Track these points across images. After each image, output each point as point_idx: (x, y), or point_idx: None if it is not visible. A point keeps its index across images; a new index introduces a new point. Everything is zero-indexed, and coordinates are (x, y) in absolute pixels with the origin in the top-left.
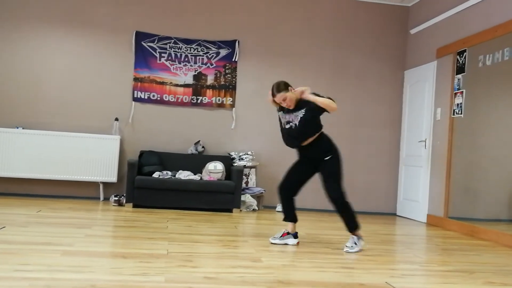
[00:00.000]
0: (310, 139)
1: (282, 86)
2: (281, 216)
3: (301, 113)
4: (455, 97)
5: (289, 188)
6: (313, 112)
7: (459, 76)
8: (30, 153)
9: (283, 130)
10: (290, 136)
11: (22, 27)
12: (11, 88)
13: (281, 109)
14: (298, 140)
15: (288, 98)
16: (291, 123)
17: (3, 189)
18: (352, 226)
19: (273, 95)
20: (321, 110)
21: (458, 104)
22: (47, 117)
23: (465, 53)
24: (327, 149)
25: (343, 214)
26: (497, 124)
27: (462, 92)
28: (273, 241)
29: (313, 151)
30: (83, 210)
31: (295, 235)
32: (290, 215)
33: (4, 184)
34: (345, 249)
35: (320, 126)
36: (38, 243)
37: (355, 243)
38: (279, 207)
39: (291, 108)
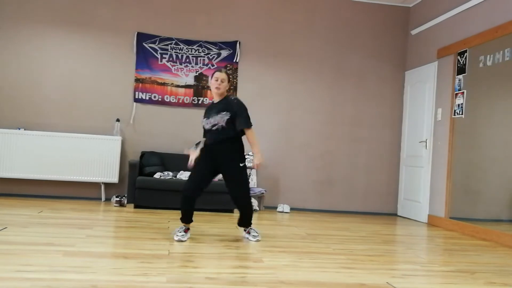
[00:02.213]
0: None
1: (225, 71)
2: (282, 216)
3: (225, 114)
4: (455, 97)
5: (199, 187)
6: (233, 113)
7: (460, 76)
8: (32, 154)
9: (207, 131)
10: (216, 136)
11: (24, 29)
12: (13, 89)
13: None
14: (220, 137)
15: (224, 84)
16: (217, 126)
17: (4, 190)
18: (249, 223)
19: (216, 71)
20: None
21: (458, 105)
22: (49, 118)
23: (465, 54)
24: (240, 154)
25: (245, 213)
26: (498, 124)
27: (462, 93)
28: (183, 239)
29: (228, 149)
30: (84, 211)
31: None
32: (191, 218)
33: (6, 185)
34: (256, 238)
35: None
36: (39, 244)
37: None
38: (280, 207)
39: (216, 94)
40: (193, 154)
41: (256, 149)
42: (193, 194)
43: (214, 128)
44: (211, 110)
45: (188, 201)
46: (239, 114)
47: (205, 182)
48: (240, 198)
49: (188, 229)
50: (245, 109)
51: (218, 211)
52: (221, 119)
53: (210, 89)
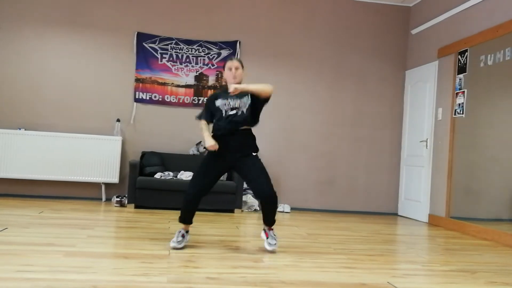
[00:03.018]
0: (247, 128)
1: (237, 59)
2: (283, 216)
3: (246, 99)
4: (456, 97)
5: (206, 189)
6: (258, 101)
7: (461, 76)
8: (32, 154)
9: (222, 118)
10: (232, 122)
11: (23, 29)
12: (13, 90)
13: (218, 96)
14: (239, 125)
15: (240, 72)
16: (236, 110)
17: (5, 190)
18: (274, 220)
19: (228, 60)
20: (261, 101)
21: (459, 104)
22: (49, 118)
23: (466, 53)
24: (255, 145)
25: (274, 208)
26: (498, 124)
27: (463, 92)
28: (178, 246)
29: (244, 141)
30: (85, 211)
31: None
32: (191, 219)
33: (6, 185)
34: (271, 247)
35: (258, 120)
36: (40, 244)
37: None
38: (280, 207)
39: (233, 83)
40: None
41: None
42: (199, 196)
43: (232, 112)
44: (226, 93)
45: (192, 202)
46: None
47: (212, 184)
48: (270, 188)
49: (187, 231)
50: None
51: (218, 211)
52: (242, 103)
53: (211, 89)
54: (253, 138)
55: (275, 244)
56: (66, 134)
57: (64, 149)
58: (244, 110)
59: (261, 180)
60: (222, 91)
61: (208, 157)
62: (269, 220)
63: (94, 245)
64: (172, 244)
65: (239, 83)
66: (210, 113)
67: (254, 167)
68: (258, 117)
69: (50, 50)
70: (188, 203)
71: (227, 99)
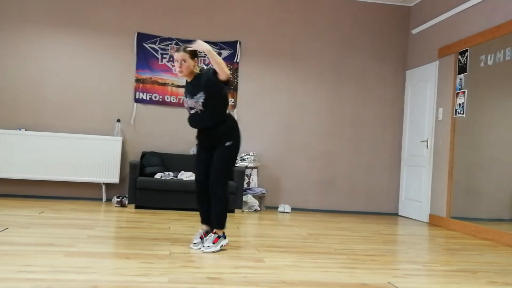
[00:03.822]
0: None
1: (187, 49)
2: (283, 216)
3: (200, 97)
4: (457, 97)
5: (206, 178)
6: (213, 87)
7: (461, 76)
8: (33, 154)
9: (189, 115)
10: (195, 123)
11: (24, 29)
12: (13, 90)
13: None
14: (202, 125)
15: (186, 64)
16: (195, 109)
17: (5, 191)
18: (220, 223)
19: (175, 51)
20: (221, 82)
21: (460, 104)
22: (49, 119)
23: (466, 53)
24: (228, 135)
25: (217, 208)
26: (499, 123)
27: (464, 92)
28: (208, 250)
29: (215, 134)
30: (85, 211)
31: (224, 235)
32: (204, 217)
33: (7, 186)
34: (202, 248)
35: (225, 107)
36: (40, 244)
37: (213, 243)
38: (281, 208)
39: (182, 76)
40: None
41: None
42: (202, 183)
43: (192, 111)
44: (187, 89)
45: (200, 194)
46: (213, 78)
47: (207, 167)
48: (212, 181)
49: (207, 232)
50: (213, 71)
51: None
52: (196, 103)
53: None
54: (224, 127)
55: (208, 247)
56: (66, 134)
57: (64, 150)
58: (199, 110)
59: (212, 174)
60: (186, 83)
61: (197, 147)
62: (214, 220)
63: (95, 246)
64: (206, 250)
65: (188, 75)
66: None
67: (216, 158)
68: (221, 103)
69: (51, 51)
70: (197, 196)
71: (186, 97)
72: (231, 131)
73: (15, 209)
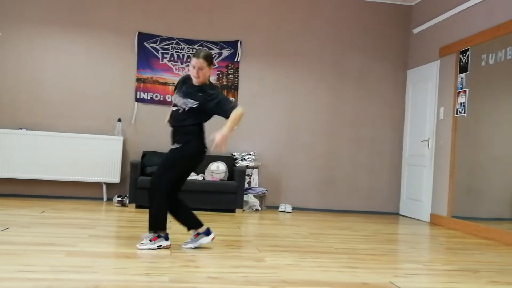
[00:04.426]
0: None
1: (208, 56)
2: (284, 216)
3: (191, 103)
4: (458, 96)
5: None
6: (208, 107)
7: (462, 75)
8: (34, 154)
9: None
10: (173, 118)
11: (25, 29)
12: (14, 89)
13: (177, 86)
14: (178, 123)
15: (203, 72)
16: (178, 106)
17: (6, 190)
18: (151, 222)
19: (194, 56)
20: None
21: (461, 103)
22: (50, 118)
23: (468, 52)
24: (185, 140)
25: (150, 204)
26: (500, 123)
27: (465, 91)
28: (186, 246)
29: (179, 135)
30: (86, 211)
31: (208, 232)
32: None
33: (8, 185)
34: (142, 246)
35: (200, 124)
36: (41, 244)
37: (150, 240)
38: (282, 207)
39: (195, 82)
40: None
41: (230, 124)
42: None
43: (174, 108)
44: (182, 86)
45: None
46: (212, 102)
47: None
48: (153, 178)
49: (198, 234)
50: (223, 96)
51: (219, 211)
52: (183, 103)
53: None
54: (187, 130)
55: (150, 243)
56: (67, 134)
57: (65, 149)
58: (181, 109)
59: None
60: (184, 81)
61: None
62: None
63: (96, 245)
64: (185, 246)
65: (202, 83)
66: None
67: (165, 155)
68: (203, 119)
69: (51, 50)
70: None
71: (177, 93)
72: (191, 138)
73: (16, 209)
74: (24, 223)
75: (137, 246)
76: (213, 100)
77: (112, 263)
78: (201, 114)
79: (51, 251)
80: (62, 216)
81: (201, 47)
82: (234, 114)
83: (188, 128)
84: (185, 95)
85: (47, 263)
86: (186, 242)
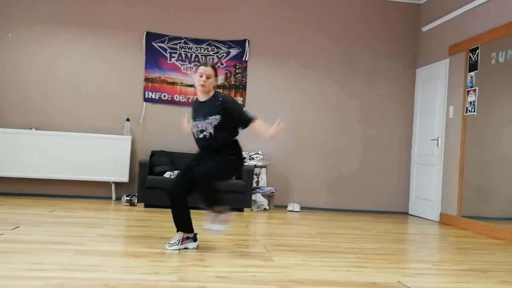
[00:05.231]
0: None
1: (215, 66)
2: (292, 215)
3: (214, 119)
4: (467, 95)
5: (182, 190)
6: (230, 112)
7: (472, 73)
8: (43, 153)
9: (195, 138)
10: (203, 148)
11: (34, 29)
12: (24, 90)
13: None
14: (210, 149)
15: (210, 80)
16: (204, 132)
17: (17, 189)
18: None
19: (201, 65)
20: (233, 115)
21: (471, 102)
22: (59, 118)
23: (477, 51)
24: (237, 153)
25: (204, 190)
26: (510, 121)
27: (475, 90)
28: (170, 248)
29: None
30: (95, 210)
31: (195, 238)
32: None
33: (18, 185)
34: (213, 232)
35: (236, 133)
36: (51, 243)
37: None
38: (290, 206)
39: (201, 91)
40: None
41: (265, 127)
42: (178, 196)
43: (201, 136)
44: (198, 111)
45: (176, 206)
46: (235, 116)
47: (189, 176)
48: (202, 171)
49: (187, 238)
50: (238, 105)
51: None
52: (208, 125)
53: (220, 88)
54: (229, 148)
55: (219, 229)
56: (76, 133)
57: (74, 149)
58: (208, 134)
59: (202, 168)
60: (195, 103)
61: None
62: (204, 201)
63: (105, 244)
64: (169, 248)
65: (208, 92)
66: None
67: (213, 159)
68: (233, 130)
69: (60, 51)
70: (172, 205)
71: (195, 120)
72: (235, 153)
73: (26, 208)
74: (34, 222)
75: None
76: (234, 112)
77: (121, 262)
78: (228, 125)
79: (61, 249)
80: (72, 215)
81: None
82: (259, 125)
83: (227, 143)
84: (205, 116)
85: (56, 261)
86: (171, 244)
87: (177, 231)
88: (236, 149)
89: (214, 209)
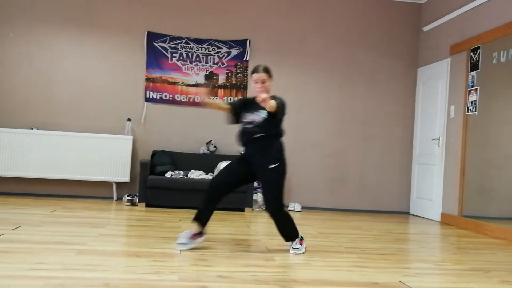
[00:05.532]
0: (267, 136)
1: (267, 68)
2: (293, 215)
3: (265, 113)
4: (469, 94)
5: (222, 186)
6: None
7: (473, 73)
8: (44, 153)
9: (241, 129)
10: (247, 133)
11: (35, 30)
12: (25, 90)
13: (242, 108)
14: (252, 135)
15: (266, 84)
16: (253, 122)
17: (18, 189)
18: (287, 235)
19: (254, 72)
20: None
21: (472, 102)
22: (60, 118)
23: (479, 50)
24: (277, 157)
25: (278, 225)
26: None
27: (476, 89)
28: (183, 248)
29: (262, 152)
30: (96, 210)
31: (201, 233)
32: (206, 219)
33: (19, 184)
34: (292, 251)
35: (281, 131)
36: (52, 242)
37: (299, 244)
38: (291, 206)
39: (260, 94)
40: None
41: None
42: (217, 193)
43: (248, 126)
44: (251, 104)
45: (209, 201)
46: (280, 116)
47: (234, 182)
48: (268, 202)
49: (199, 234)
50: (285, 109)
51: (229, 210)
52: (257, 116)
53: (221, 88)
54: (271, 147)
55: (298, 249)
56: (77, 133)
57: (75, 149)
58: (257, 123)
59: (269, 197)
60: (248, 100)
61: (237, 158)
62: (282, 235)
63: (106, 244)
64: (178, 243)
65: (268, 93)
66: (237, 110)
67: (264, 179)
68: (276, 126)
69: (61, 51)
70: (207, 198)
71: (247, 112)
72: (279, 153)
73: (28, 208)
74: (36, 222)
75: (291, 251)
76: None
77: (122, 261)
78: (277, 123)
79: (62, 249)
80: (73, 215)
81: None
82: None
83: (271, 140)
84: (258, 109)
85: (58, 261)
86: (183, 244)
87: (196, 220)
88: (277, 149)
89: (293, 241)
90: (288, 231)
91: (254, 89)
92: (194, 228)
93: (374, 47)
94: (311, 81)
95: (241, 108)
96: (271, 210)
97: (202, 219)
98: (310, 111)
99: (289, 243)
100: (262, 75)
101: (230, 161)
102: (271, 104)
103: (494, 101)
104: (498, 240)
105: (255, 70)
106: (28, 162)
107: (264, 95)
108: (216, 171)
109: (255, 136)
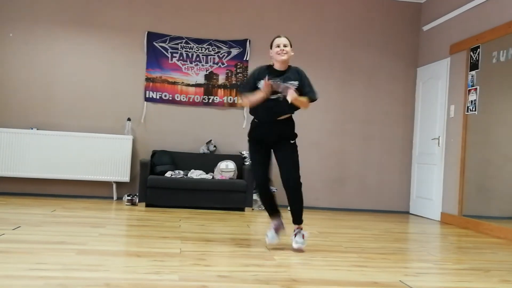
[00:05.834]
0: (287, 116)
1: (285, 36)
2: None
3: (293, 85)
4: (469, 94)
5: (265, 182)
6: (301, 86)
7: (473, 72)
8: (45, 153)
9: (264, 102)
10: (272, 109)
11: (35, 29)
12: (25, 90)
13: (261, 77)
14: (280, 113)
15: (288, 49)
16: (279, 94)
17: (18, 189)
18: (300, 217)
19: (276, 38)
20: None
21: (472, 101)
22: (60, 118)
23: (478, 50)
24: (294, 132)
25: (297, 199)
26: (511, 120)
27: (476, 89)
28: (301, 247)
29: (284, 129)
30: (97, 210)
31: (279, 224)
32: (274, 209)
33: (19, 184)
34: (297, 245)
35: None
36: (53, 242)
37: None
38: None
39: (281, 62)
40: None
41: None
42: (265, 185)
43: (273, 97)
44: (271, 74)
45: (264, 194)
46: (306, 84)
47: (265, 168)
48: (294, 179)
49: (280, 226)
50: (315, 92)
51: (229, 210)
52: (285, 88)
53: (221, 88)
54: (291, 125)
55: (302, 242)
56: (77, 133)
57: (75, 149)
58: (283, 97)
59: (292, 173)
60: (266, 70)
61: (251, 148)
62: (294, 216)
63: (106, 243)
64: (268, 241)
65: (287, 60)
66: (251, 89)
67: (289, 156)
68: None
69: (62, 51)
70: (262, 196)
71: (273, 81)
72: (294, 129)
73: (28, 208)
74: (36, 222)
75: (295, 245)
76: (307, 86)
77: (123, 261)
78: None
79: (62, 249)
80: (73, 215)
81: (209, 47)
82: (309, 101)
83: (290, 118)
84: (284, 80)
85: (58, 261)
86: (297, 242)
87: (270, 216)
88: (293, 125)
89: (300, 225)
90: (302, 210)
91: (273, 55)
92: (272, 223)
93: (374, 47)
94: (311, 80)
95: (252, 88)
96: (297, 185)
97: (274, 210)
98: (310, 110)
99: (292, 236)
100: (284, 40)
101: (250, 154)
102: (305, 105)
103: (494, 101)
104: (498, 239)
105: (277, 36)
106: (28, 162)
107: (283, 58)
108: (216, 171)
109: (281, 117)
